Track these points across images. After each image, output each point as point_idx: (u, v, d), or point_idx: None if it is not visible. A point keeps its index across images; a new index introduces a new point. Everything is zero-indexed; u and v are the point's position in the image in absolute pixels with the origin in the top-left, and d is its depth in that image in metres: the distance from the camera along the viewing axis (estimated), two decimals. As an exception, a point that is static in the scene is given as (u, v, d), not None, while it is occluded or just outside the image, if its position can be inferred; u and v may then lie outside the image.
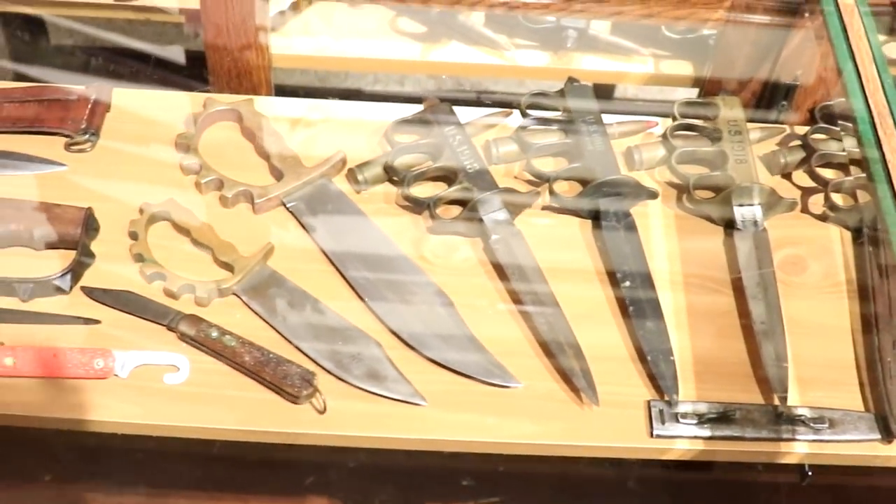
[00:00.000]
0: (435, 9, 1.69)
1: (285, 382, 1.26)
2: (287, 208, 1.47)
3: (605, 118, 1.57)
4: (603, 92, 1.97)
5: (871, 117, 1.20)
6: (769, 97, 1.67)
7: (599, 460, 1.41)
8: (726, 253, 1.47)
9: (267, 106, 1.60)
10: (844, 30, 1.30)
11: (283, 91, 1.74)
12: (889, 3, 1.46)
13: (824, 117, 1.56)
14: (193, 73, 1.89)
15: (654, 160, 1.55)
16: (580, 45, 1.77)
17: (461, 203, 1.46)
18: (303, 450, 1.32)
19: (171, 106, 1.57)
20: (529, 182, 1.52)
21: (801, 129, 1.58)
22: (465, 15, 1.78)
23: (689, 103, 1.59)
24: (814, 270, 1.46)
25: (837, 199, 1.50)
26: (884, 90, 1.22)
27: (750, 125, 1.58)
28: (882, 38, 1.66)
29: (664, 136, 1.55)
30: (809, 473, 1.39)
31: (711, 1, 1.58)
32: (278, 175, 1.47)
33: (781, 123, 1.63)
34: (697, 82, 1.78)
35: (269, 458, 1.62)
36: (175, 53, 2.10)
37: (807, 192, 1.54)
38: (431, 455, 1.31)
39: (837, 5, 1.32)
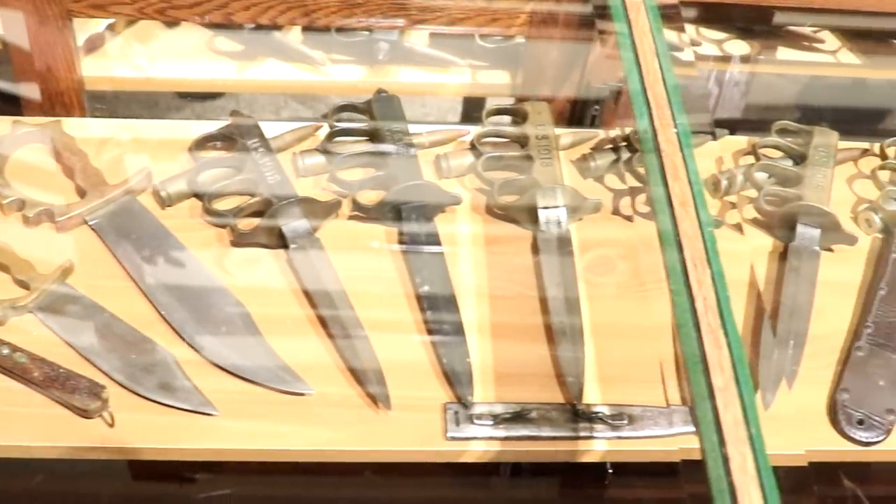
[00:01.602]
0: (249, 27, 1.65)
1: (74, 397, 1.23)
2: (90, 226, 1.43)
3: (417, 128, 1.55)
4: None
5: (649, 109, 1.19)
6: (581, 103, 1.66)
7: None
8: (532, 255, 1.43)
9: (77, 127, 1.58)
10: (629, 25, 1.29)
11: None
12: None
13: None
14: (6, 97, 1.86)
15: (462, 167, 1.53)
16: (398, 58, 1.76)
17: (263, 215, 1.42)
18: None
19: (-22, 130, 1.53)
20: (337, 193, 1.48)
21: (614, 133, 1.57)
22: (281, 33, 1.77)
23: (497, 110, 1.57)
24: (622, 270, 1.45)
25: (642, 200, 1.48)
26: (663, 81, 1.20)
27: (562, 131, 1.57)
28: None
29: (471, 143, 1.52)
30: (610, 471, 1.36)
31: (513, 10, 1.57)
32: (82, 194, 1.44)
33: (595, 128, 1.61)
34: (514, 90, 1.76)
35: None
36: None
37: (618, 195, 1.53)
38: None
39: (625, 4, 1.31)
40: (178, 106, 2.77)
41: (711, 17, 1.91)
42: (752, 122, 2.17)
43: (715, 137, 1.68)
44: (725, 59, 1.97)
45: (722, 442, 0.92)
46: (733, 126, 1.73)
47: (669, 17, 1.33)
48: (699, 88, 1.45)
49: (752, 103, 2.16)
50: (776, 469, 0.91)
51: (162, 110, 2.71)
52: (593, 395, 1.32)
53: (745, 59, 1.98)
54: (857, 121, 2.03)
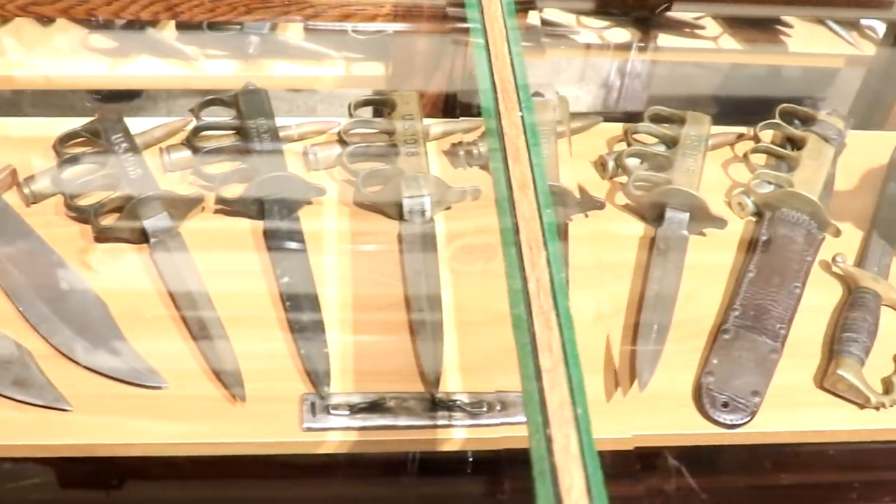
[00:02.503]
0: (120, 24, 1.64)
1: (-77, 395, 1.20)
2: (-51, 226, 1.40)
3: (286, 120, 1.54)
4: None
5: (495, 92, 1.18)
6: (456, 93, 1.65)
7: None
8: (397, 245, 1.43)
9: (-59, 127, 1.53)
10: (481, 10, 1.28)
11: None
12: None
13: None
14: None
15: (330, 159, 1.52)
16: (271, 51, 1.75)
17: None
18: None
19: None
20: (203, 187, 1.47)
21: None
22: (156, 30, 1.75)
23: (366, 101, 1.56)
24: (487, 258, 1.44)
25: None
26: (512, 66, 1.20)
27: (434, 121, 1.55)
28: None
29: (339, 134, 1.51)
30: (471, 460, 1.35)
31: (376, 2, 1.56)
32: (-55, 192, 1.42)
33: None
34: (389, 82, 1.75)
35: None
36: None
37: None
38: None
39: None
40: (92, 109, 2.74)
41: (593, 5, 1.90)
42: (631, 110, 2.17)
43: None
44: (605, 47, 1.96)
45: (546, 423, 0.91)
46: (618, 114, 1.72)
47: (523, 2, 1.32)
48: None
49: (632, 90, 2.16)
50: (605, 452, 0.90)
51: (78, 112, 2.68)
52: (454, 384, 1.30)
53: (625, 47, 1.98)
54: (740, 106, 2.04)
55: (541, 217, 1.08)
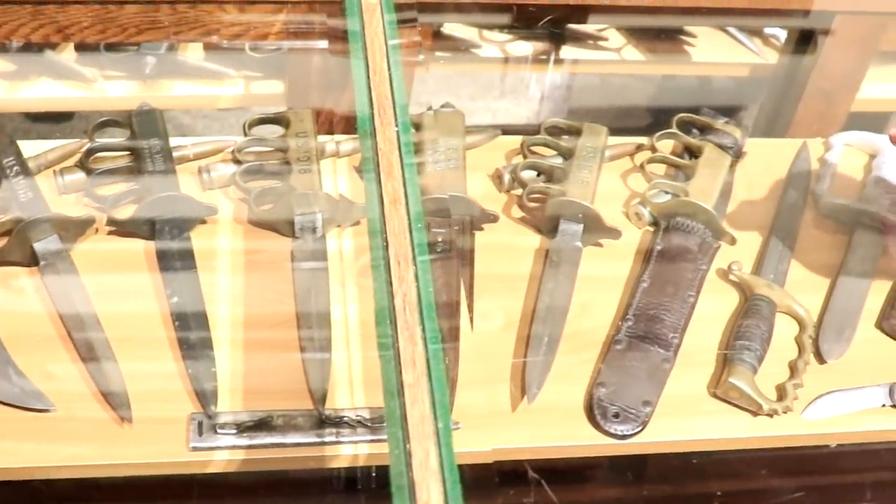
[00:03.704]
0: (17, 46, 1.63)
1: None
2: None
3: (181, 140, 1.54)
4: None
5: (372, 108, 1.19)
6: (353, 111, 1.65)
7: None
8: (289, 264, 1.43)
9: None
10: (363, 25, 1.29)
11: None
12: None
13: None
14: None
15: (224, 178, 1.52)
16: (170, 72, 1.75)
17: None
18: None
19: None
20: (98, 209, 1.47)
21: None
22: (55, 52, 1.75)
23: (260, 119, 1.57)
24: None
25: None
26: (390, 82, 1.20)
27: (337, 137, 1.57)
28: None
29: (233, 153, 1.52)
30: (374, 475, 1.35)
31: (267, 21, 1.56)
32: None
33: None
34: (289, 100, 1.75)
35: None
36: None
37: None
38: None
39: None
40: (25, 129, 2.72)
41: (495, 19, 1.91)
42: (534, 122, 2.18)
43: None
44: (508, 60, 1.97)
45: (406, 438, 0.91)
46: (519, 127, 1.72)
47: (405, 19, 1.32)
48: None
49: (535, 103, 2.18)
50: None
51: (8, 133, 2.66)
52: (345, 401, 1.30)
53: (528, 60, 1.99)
54: (645, 116, 2.05)
55: (411, 233, 1.08)
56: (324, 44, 1.62)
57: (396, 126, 1.19)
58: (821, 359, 1.45)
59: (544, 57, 1.99)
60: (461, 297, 1.42)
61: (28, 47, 1.78)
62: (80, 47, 1.80)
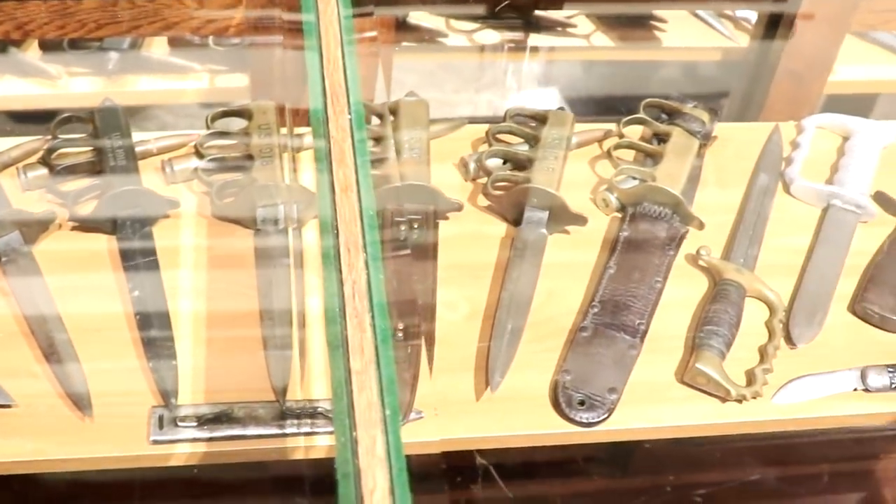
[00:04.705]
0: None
1: None
2: None
3: (144, 135, 1.53)
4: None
5: (325, 96, 1.18)
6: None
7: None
8: (253, 256, 1.42)
9: None
10: (317, 14, 1.28)
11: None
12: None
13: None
14: None
15: (187, 172, 1.51)
16: (135, 67, 1.74)
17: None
18: None
19: None
20: (61, 205, 1.46)
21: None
22: (20, 50, 1.74)
23: (224, 112, 1.56)
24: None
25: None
26: (344, 70, 1.20)
27: (300, 129, 1.56)
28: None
29: (195, 147, 1.51)
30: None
31: (225, 15, 1.56)
32: None
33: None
34: (254, 94, 1.75)
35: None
36: None
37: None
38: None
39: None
40: (9, 129, 2.71)
41: (461, 8, 1.90)
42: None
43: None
44: (475, 49, 1.97)
45: (353, 425, 0.90)
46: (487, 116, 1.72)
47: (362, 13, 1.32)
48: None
49: (504, 91, 2.17)
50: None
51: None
52: (306, 392, 1.30)
53: (496, 48, 1.98)
54: (616, 102, 2.04)
55: (361, 219, 1.07)
56: (281, 36, 1.60)
57: (349, 114, 1.18)
58: (792, 343, 1.43)
59: (512, 45, 1.97)
60: (427, 288, 1.41)
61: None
62: (45, 46, 1.79)
